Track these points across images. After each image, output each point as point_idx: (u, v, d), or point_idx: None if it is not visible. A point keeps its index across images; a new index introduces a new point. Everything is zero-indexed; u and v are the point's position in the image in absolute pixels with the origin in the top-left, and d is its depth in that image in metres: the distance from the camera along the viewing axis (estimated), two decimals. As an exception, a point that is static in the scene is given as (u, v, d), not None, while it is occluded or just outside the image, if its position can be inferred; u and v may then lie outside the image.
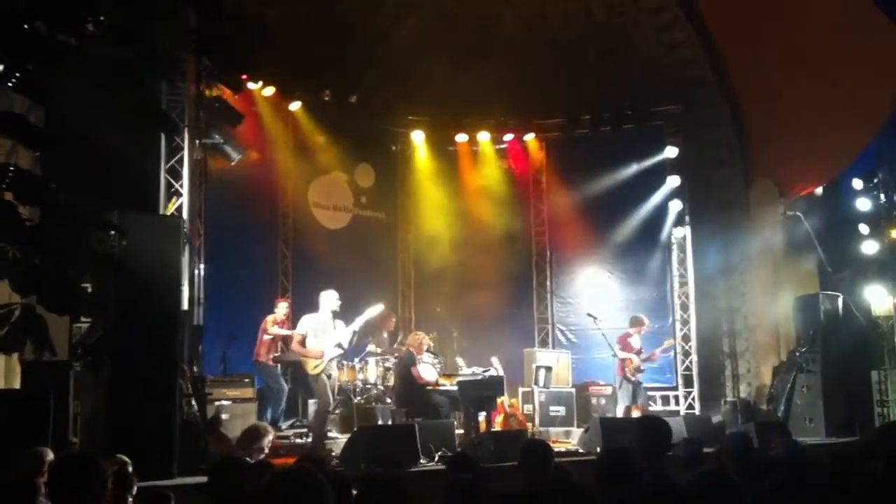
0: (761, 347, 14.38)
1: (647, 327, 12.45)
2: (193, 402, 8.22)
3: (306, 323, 9.71)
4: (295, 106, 13.25)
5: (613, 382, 12.67)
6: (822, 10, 11.88)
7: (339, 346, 9.64)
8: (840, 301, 12.51)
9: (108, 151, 7.40)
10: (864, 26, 11.33)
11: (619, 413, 11.84)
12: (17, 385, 7.56)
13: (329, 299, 9.74)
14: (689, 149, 14.43)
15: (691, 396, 13.97)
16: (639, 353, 12.10)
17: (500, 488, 3.83)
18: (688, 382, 14.07)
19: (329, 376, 9.53)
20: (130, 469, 5.28)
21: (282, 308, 11.57)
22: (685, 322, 14.26)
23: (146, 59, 3.29)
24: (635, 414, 11.65)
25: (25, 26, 3.15)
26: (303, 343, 9.66)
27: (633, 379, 11.97)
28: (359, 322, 9.78)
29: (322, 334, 9.55)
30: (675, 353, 14.01)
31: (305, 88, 13.32)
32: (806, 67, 12.06)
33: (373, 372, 11.66)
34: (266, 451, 6.15)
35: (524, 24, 14.28)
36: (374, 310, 10.01)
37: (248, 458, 5.49)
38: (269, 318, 11.35)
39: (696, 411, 13.49)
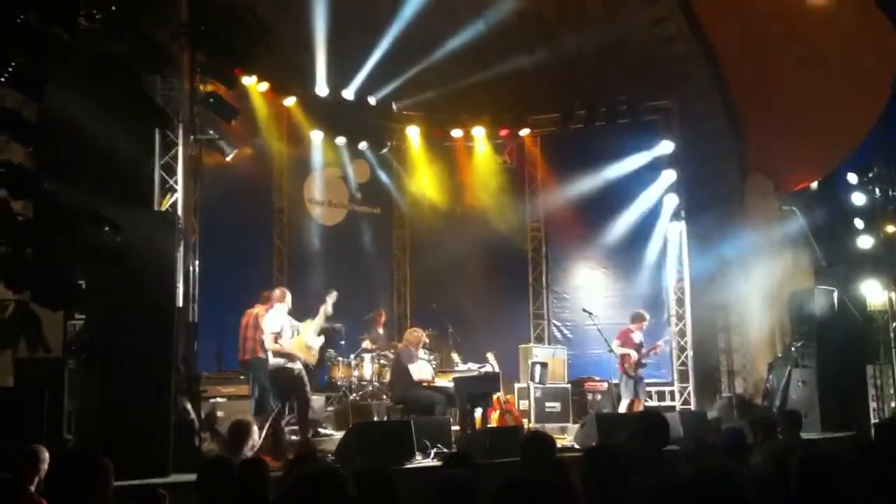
0: (756, 342, 14.37)
1: (648, 323, 12.42)
2: (188, 400, 8.17)
3: (278, 319, 9.57)
4: (290, 101, 13.19)
5: (609, 378, 12.71)
6: (816, 1, 11.88)
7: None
8: (835, 296, 12.51)
9: (102, 147, 7.37)
10: (858, 17, 11.33)
11: (623, 409, 11.78)
12: (10, 382, 7.51)
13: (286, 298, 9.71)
14: (684, 143, 14.37)
15: (687, 392, 13.95)
16: (639, 347, 12.07)
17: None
18: (683, 378, 14.05)
19: (296, 373, 9.41)
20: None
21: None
22: (680, 317, 14.22)
23: (139, 53, 3.26)
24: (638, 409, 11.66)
25: (19, 20, 3.11)
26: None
27: (633, 374, 11.95)
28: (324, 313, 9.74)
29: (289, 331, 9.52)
30: (671, 349, 14.00)
31: (300, 83, 13.27)
32: (800, 60, 12.05)
33: (368, 368, 11.63)
34: (256, 447, 6.08)
35: (520, 19, 14.23)
36: (331, 296, 9.86)
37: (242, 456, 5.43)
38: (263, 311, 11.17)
39: (692, 407, 13.49)
